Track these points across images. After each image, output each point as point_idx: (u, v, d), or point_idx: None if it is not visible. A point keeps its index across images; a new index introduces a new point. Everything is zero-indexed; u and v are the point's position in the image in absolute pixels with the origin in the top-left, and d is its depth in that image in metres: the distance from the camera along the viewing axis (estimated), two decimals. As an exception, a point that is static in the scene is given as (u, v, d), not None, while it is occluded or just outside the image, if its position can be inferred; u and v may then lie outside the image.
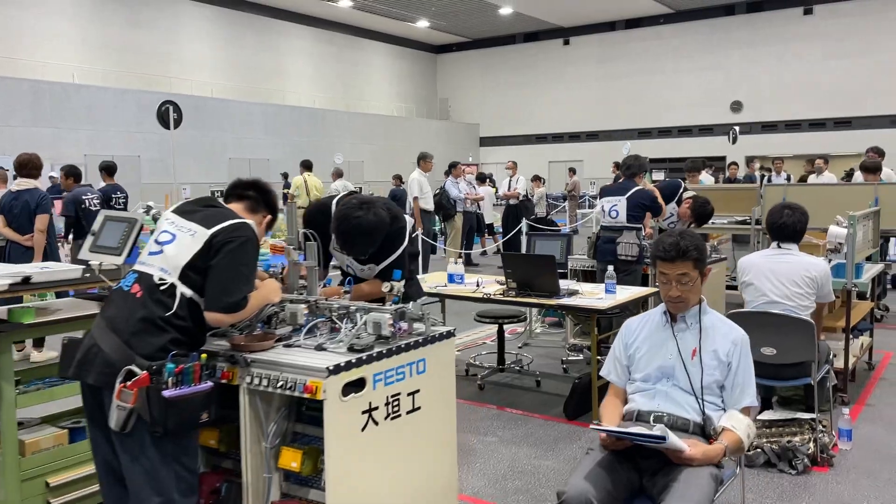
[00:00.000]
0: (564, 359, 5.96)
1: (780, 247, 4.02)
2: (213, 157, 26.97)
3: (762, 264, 4.01)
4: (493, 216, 13.97)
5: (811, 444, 3.84)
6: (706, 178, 14.45)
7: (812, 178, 11.70)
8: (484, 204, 13.24)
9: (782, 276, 3.93)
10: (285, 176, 23.93)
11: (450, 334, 2.73)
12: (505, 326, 5.71)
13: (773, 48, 29.84)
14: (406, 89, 38.47)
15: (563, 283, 4.97)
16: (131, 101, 24.98)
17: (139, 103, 25.11)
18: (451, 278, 5.10)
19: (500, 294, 4.77)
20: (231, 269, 2.36)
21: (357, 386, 2.32)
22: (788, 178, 13.11)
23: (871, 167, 7.95)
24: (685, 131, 32.15)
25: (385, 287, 2.90)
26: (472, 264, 12.18)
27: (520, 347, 6.53)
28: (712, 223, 8.44)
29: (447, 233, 11.89)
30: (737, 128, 18.15)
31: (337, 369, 2.23)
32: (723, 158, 29.52)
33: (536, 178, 14.86)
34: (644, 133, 33.24)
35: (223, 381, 2.37)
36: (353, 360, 2.30)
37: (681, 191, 6.59)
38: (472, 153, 37.86)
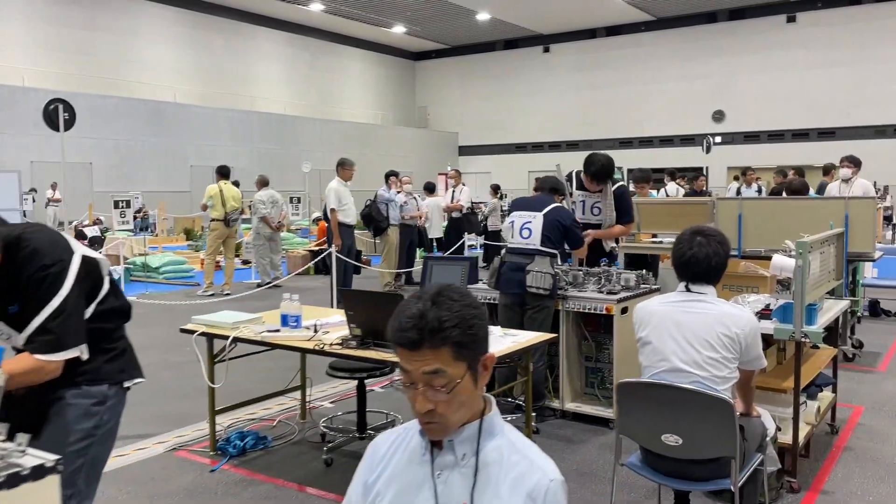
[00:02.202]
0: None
1: (689, 290, 2.85)
2: (173, 165, 25.89)
3: (664, 315, 2.84)
4: (442, 229, 12.80)
5: (730, 578, 2.66)
6: (675, 187, 13.43)
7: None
8: (432, 216, 12.10)
9: (690, 334, 2.76)
10: (236, 184, 22.76)
11: (41, 472, 1.54)
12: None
13: (756, 56, 29.17)
14: (384, 97, 37.53)
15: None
16: (83, 105, 23.73)
17: (92, 108, 23.98)
18: (283, 321, 3.91)
19: (339, 344, 3.59)
20: None
21: None
22: (760, 191, 12.01)
23: (801, 189, 6.87)
24: (666, 141, 31.46)
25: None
26: (412, 283, 11.04)
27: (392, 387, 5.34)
28: (661, 243, 7.30)
29: (381, 249, 10.75)
30: (710, 137, 17.08)
31: None
32: (706, 169, 28.83)
33: (494, 189, 13.73)
34: (625, 143, 32.57)
35: None
36: None
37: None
38: (451, 162, 36.99)
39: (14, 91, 22.35)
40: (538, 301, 4.59)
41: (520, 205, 5.03)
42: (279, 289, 11.62)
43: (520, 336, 3.84)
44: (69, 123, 9.50)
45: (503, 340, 3.69)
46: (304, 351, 3.63)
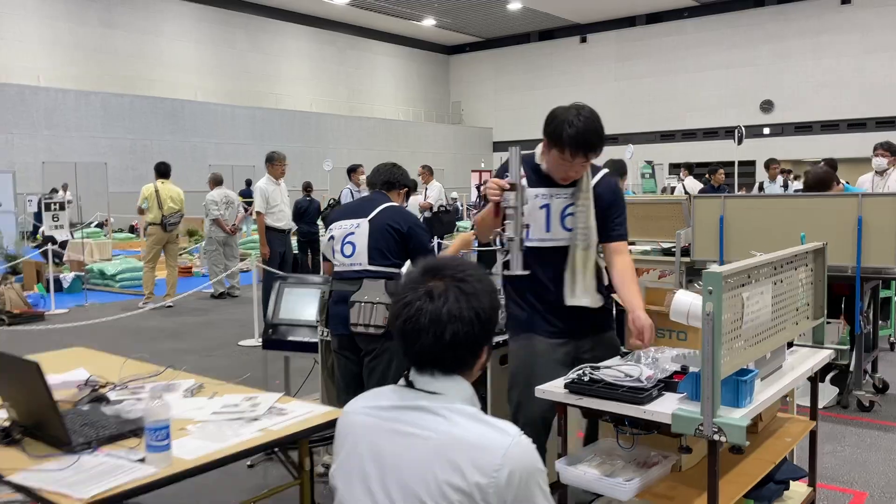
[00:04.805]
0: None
1: (411, 385, 1.46)
2: (191, 165, 25.20)
3: (362, 436, 1.44)
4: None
5: None
6: (694, 183, 11.94)
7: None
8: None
9: (394, 482, 1.35)
10: (248, 183, 21.91)
11: None
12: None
13: (807, 42, 27.39)
14: (416, 92, 36.56)
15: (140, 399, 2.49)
16: (97, 103, 23.30)
17: (106, 106, 23.46)
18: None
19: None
20: None
21: None
22: (786, 186, 10.33)
23: (815, 184, 5.32)
24: (710, 133, 29.86)
25: None
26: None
27: (250, 466, 4.00)
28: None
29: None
30: (742, 128, 15.34)
31: None
32: (752, 163, 27.03)
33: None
34: (667, 136, 31.20)
35: None
36: None
37: None
38: (485, 158, 35.89)
39: (24, 90, 21.86)
40: (372, 345, 3.23)
41: (341, 212, 3.64)
42: (235, 299, 10.46)
43: (290, 414, 2.48)
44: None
45: (241, 430, 2.34)
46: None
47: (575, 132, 2.67)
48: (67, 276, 10.72)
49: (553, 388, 2.45)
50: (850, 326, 4.81)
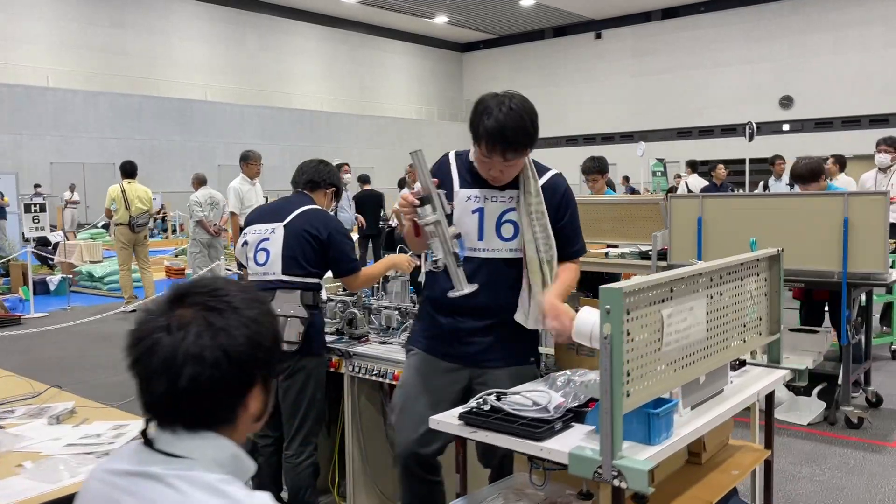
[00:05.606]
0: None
1: (150, 444, 1.11)
2: (200, 165, 25.08)
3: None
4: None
5: None
6: (697, 181, 11.54)
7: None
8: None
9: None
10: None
11: None
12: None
13: (828, 35, 26.68)
14: (429, 90, 36.26)
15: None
16: (105, 104, 23.29)
17: (114, 107, 23.45)
18: None
19: None
20: None
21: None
22: (791, 185, 9.87)
23: (807, 173, 4.93)
24: (728, 130, 29.20)
25: None
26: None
27: None
28: (605, 255, 5.46)
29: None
30: (753, 124, 14.89)
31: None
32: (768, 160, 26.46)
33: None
34: (683, 133, 30.63)
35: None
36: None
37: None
38: (499, 158, 35.43)
39: (31, 91, 21.88)
40: (286, 362, 2.91)
41: (257, 215, 3.25)
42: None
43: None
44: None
45: (81, 468, 2.05)
46: None
47: (494, 125, 2.24)
48: (54, 279, 10.55)
49: (447, 419, 2.13)
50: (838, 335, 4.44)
